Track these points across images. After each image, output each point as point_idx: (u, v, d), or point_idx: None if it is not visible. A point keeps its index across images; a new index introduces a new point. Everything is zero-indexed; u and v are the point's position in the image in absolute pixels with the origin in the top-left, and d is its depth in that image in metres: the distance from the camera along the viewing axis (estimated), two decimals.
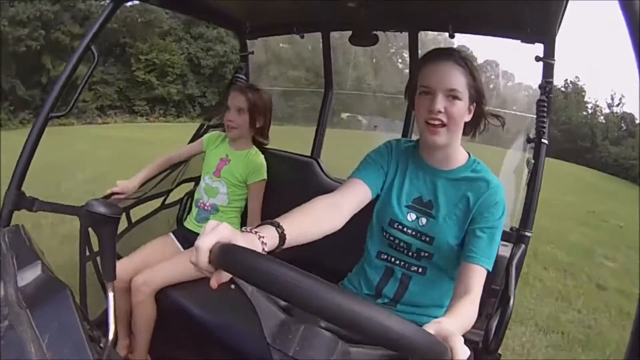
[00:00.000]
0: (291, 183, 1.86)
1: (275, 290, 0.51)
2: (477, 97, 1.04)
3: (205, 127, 2.05)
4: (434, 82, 1.00)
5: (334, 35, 1.96)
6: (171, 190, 1.98)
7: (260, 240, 0.73)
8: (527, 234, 1.34)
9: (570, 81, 33.46)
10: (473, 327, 1.35)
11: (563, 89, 33.08)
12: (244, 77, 2.09)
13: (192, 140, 1.97)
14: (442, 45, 1.20)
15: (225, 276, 0.64)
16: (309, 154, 2.04)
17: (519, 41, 1.38)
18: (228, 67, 20.97)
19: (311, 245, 1.75)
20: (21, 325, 0.65)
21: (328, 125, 2.10)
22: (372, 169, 1.11)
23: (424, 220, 1.09)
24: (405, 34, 1.72)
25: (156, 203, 1.99)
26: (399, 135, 1.76)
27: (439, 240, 1.06)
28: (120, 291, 1.47)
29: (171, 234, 1.75)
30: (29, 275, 0.80)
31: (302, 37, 1.91)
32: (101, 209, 0.69)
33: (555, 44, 1.32)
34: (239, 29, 2.00)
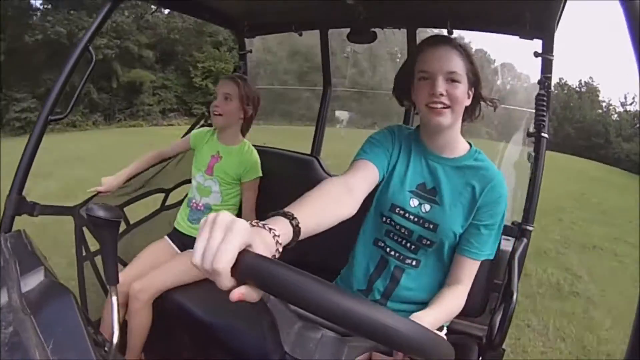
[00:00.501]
0: (291, 181, 1.85)
1: (315, 311, 0.48)
2: (475, 81, 1.04)
3: (200, 124, 2.03)
4: (433, 66, 1.00)
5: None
6: (170, 191, 1.97)
7: (275, 238, 0.63)
8: (528, 228, 1.35)
9: (585, 81, 33.83)
10: (477, 322, 1.37)
11: (577, 88, 33.39)
12: (243, 75, 2.08)
13: (185, 135, 1.95)
14: None
15: (254, 295, 0.52)
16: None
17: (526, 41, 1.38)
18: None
19: (304, 244, 1.75)
20: (26, 331, 0.65)
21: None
22: (378, 150, 1.08)
23: (427, 206, 1.07)
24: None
25: (155, 204, 1.98)
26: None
27: (444, 228, 1.05)
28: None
29: (167, 237, 1.74)
30: (33, 281, 0.80)
31: (300, 34, 1.90)
32: (101, 213, 0.68)
33: (554, 40, 1.32)
34: (237, 28, 2.00)
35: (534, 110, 1.39)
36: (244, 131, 1.77)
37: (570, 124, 31.22)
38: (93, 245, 1.53)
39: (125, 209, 1.77)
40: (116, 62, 19.39)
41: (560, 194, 8.55)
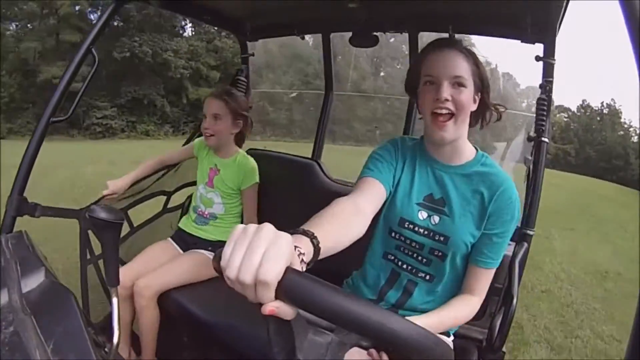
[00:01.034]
0: (293, 185, 1.86)
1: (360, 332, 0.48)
2: (482, 86, 1.01)
3: (197, 134, 2.03)
4: (438, 70, 0.97)
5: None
6: (172, 193, 1.98)
7: (300, 257, 0.59)
8: (529, 232, 1.34)
9: (607, 103, 34.28)
10: (477, 325, 1.36)
11: (599, 110, 33.95)
12: (244, 79, 2.09)
13: (186, 143, 1.97)
14: None
15: (289, 312, 0.50)
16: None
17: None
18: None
19: None
20: (26, 331, 0.65)
21: None
22: (383, 166, 1.05)
23: (436, 218, 1.04)
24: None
25: (157, 207, 1.99)
26: None
27: (455, 240, 1.02)
28: (122, 297, 1.47)
29: (170, 238, 1.76)
30: (33, 282, 0.80)
31: (303, 38, 1.91)
32: (103, 215, 0.69)
33: (555, 44, 1.32)
34: (240, 31, 2.00)
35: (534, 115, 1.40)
36: (239, 142, 1.78)
37: (591, 146, 31.54)
38: (97, 249, 1.54)
39: (129, 211, 1.78)
40: (187, 81, 21.67)
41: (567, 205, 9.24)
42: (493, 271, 1.05)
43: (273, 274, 0.46)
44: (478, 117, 1.06)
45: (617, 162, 29.15)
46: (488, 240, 1.02)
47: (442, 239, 1.04)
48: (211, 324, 1.35)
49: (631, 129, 32.88)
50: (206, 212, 1.73)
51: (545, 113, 1.37)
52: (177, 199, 2.02)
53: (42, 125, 1.16)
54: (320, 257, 0.67)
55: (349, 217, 0.84)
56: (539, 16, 1.25)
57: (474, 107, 1.01)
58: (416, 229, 1.05)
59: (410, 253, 1.08)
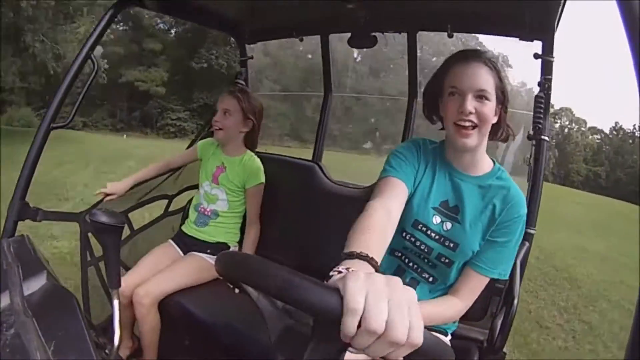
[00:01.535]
0: (294, 187, 1.86)
1: None
2: (503, 99, 1.02)
3: (204, 134, 2.05)
4: (463, 83, 0.98)
5: None
6: (174, 197, 1.99)
7: None
8: (530, 231, 1.34)
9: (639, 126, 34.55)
10: (478, 325, 1.36)
11: (631, 132, 34.74)
12: (243, 82, 2.10)
13: (190, 145, 1.97)
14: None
15: None
16: None
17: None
18: None
19: (307, 250, 1.76)
20: (28, 333, 0.65)
21: None
22: (406, 166, 1.06)
23: (448, 225, 1.06)
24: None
25: (159, 210, 2.00)
26: None
27: (464, 248, 1.04)
28: (123, 305, 1.47)
29: (171, 241, 1.77)
30: (35, 285, 0.81)
31: (301, 40, 1.91)
32: (104, 219, 0.69)
33: (553, 42, 1.32)
34: (238, 34, 2.01)
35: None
36: (249, 144, 1.78)
37: (622, 169, 31.49)
38: (98, 251, 1.55)
39: (130, 214, 1.79)
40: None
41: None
42: (485, 280, 1.05)
43: (421, 339, 0.44)
44: (497, 131, 1.07)
45: None
46: (488, 246, 1.04)
47: (452, 245, 1.05)
48: (212, 326, 1.35)
49: None
50: (208, 210, 1.73)
51: (543, 111, 1.36)
52: (179, 202, 2.03)
53: (43, 131, 1.17)
54: None
55: (385, 227, 0.85)
56: (537, 14, 1.25)
57: (495, 120, 1.02)
58: (429, 232, 1.07)
59: (418, 254, 1.10)
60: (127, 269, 1.63)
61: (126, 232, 1.77)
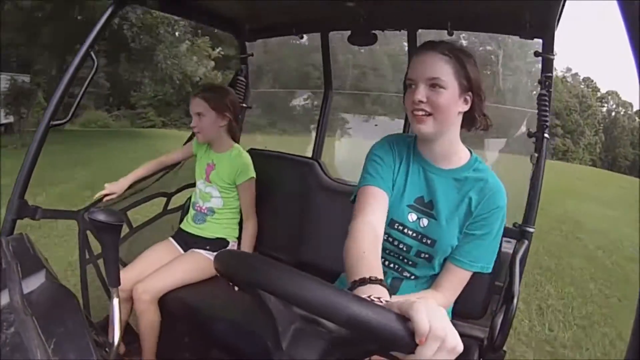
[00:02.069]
0: (293, 184, 1.86)
1: None
2: (471, 87, 0.99)
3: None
4: (415, 73, 0.98)
5: None
6: (172, 195, 1.98)
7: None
8: (529, 229, 1.34)
9: None
10: (478, 323, 1.36)
11: None
12: (243, 79, 2.10)
13: (187, 142, 1.97)
14: None
15: None
16: None
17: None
18: None
19: (306, 247, 1.76)
20: (27, 331, 0.65)
21: None
22: (384, 172, 1.05)
23: (425, 221, 1.05)
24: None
25: (158, 208, 1.99)
26: None
27: (442, 243, 1.03)
28: (121, 299, 1.47)
29: (171, 238, 1.77)
30: (34, 283, 0.81)
31: (301, 37, 1.91)
32: (102, 217, 0.69)
33: (554, 39, 1.31)
34: (238, 32, 2.01)
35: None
36: (234, 135, 1.79)
37: None
38: (96, 249, 1.55)
39: (129, 212, 1.78)
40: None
41: None
42: (466, 274, 1.03)
43: (462, 345, 0.54)
44: (472, 120, 1.04)
45: None
46: (467, 240, 1.03)
47: (429, 242, 1.05)
48: (211, 322, 1.36)
49: None
50: (204, 207, 1.74)
51: (546, 108, 1.36)
52: (178, 200, 2.03)
53: (42, 128, 1.16)
54: None
55: (376, 244, 0.90)
56: (538, 12, 1.25)
57: (464, 108, 1.00)
58: (405, 230, 1.06)
59: (397, 254, 1.09)
60: (126, 266, 1.63)
61: (125, 230, 1.77)
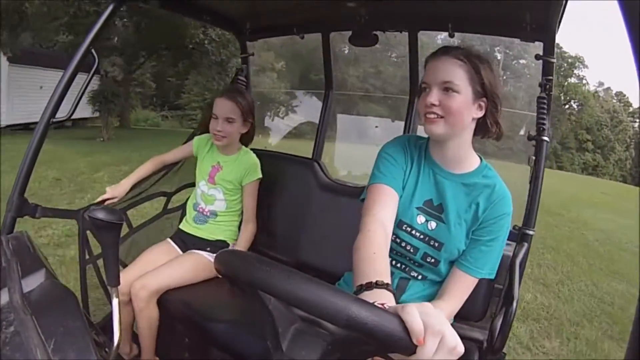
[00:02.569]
0: (293, 185, 1.86)
1: None
2: (486, 93, 0.99)
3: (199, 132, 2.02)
4: (429, 77, 0.99)
5: None
6: (172, 194, 1.98)
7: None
8: (529, 232, 1.34)
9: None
10: (477, 326, 1.36)
11: None
12: (244, 79, 2.09)
13: (187, 141, 1.95)
14: None
15: None
16: None
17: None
18: None
19: (305, 248, 1.76)
20: (27, 330, 0.65)
21: None
22: (394, 169, 1.05)
23: (433, 224, 1.06)
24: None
25: (157, 208, 1.99)
26: None
27: (449, 247, 1.04)
28: (122, 302, 1.46)
29: (169, 239, 1.75)
30: (34, 282, 0.80)
31: (302, 37, 1.91)
32: (103, 216, 0.69)
33: (555, 43, 1.32)
34: (239, 31, 2.00)
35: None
36: (244, 141, 1.77)
37: None
38: (96, 248, 1.54)
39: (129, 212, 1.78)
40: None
41: None
42: (472, 280, 1.04)
43: (462, 347, 0.54)
44: (484, 127, 1.03)
45: None
46: (474, 246, 1.04)
47: (436, 244, 1.05)
48: (211, 323, 1.35)
49: None
50: (207, 210, 1.72)
51: (545, 112, 1.36)
52: (178, 200, 2.02)
53: (42, 125, 1.16)
54: None
55: (385, 244, 0.91)
56: (539, 15, 1.25)
57: (478, 114, 1.00)
58: (413, 232, 1.06)
59: (404, 255, 1.09)
60: (126, 266, 1.63)
61: (124, 230, 1.76)
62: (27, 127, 11.49)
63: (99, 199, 1.59)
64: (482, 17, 1.43)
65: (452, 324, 1.19)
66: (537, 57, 1.35)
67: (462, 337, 1.31)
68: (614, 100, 39.55)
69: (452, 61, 0.98)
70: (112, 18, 1.28)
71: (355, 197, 1.59)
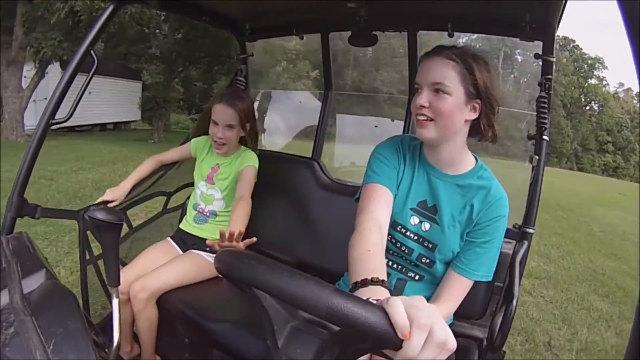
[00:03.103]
0: (293, 184, 1.86)
1: None
2: (479, 94, 0.96)
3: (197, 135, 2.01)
4: (420, 78, 0.98)
5: None
6: (172, 194, 1.98)
7: None
8: (529, 230, 1.34)
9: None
10: (477, 324, 1.36)
11: None
12: (243, 79, 2.09)
13: (185, 142, 1.92)
14: None
15: None
16: None
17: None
18: None
19: (305, 247, 1.76)
20: (27, 331, 0.65)
21: None
22: (388, 169, 1.04)
23: (427, 225, 1.05)
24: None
25: (156, 208, 1.99)
26: None
27: (443, 249, 1.03)
28: (121, 301, 1.46)
29: (169, 238, 1.75)
30: (34, 282, 0.80)
31: (302, 38, 1.91)
32: (103, 216, 0.69)
33: (554, 42, 1.32)
34: (239, 31, 2.00)
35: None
36: (245, 142, 1.75)
37: None
38: (96, 248, 1.54)
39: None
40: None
41: None
42: (468, 283, 1.03)
43: (455, 343, 0.49)
44: (479, 128, 1.01)
45: None
46: (469, 248, 1.03)
47: (430, 246, 1.04)
48: (210, 324, 1.35)
49: None
50: (206, 210, 1.72)
51: (545, 111, 1.37)
52: (178, 199, 2.02)
53: (42, 127, 1.16)
54: None
55: (381, 242, 0.90)
56: (538, 14, 1.25)
57: (471, 116, 0.98)
58: (408, 233, 1.06)
59: (400, 255, 1.09)
60: (125, 265, 1.63)
61: (124, 230, 1.76)
62: (72, 130, 12.34)
63: (99, 200, 1.58)
64: (481, 17, 1.43)
65: (451, 323, 1.20)
66: (536, 56, 1.35)
67: (462, 335, 1.31)
68: (635, 101, 39.62)
69: (444, 62, 0.96)
70: (112, 18, 1.28)
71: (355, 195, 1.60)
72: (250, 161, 1.68)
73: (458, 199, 1.03)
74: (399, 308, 0.48)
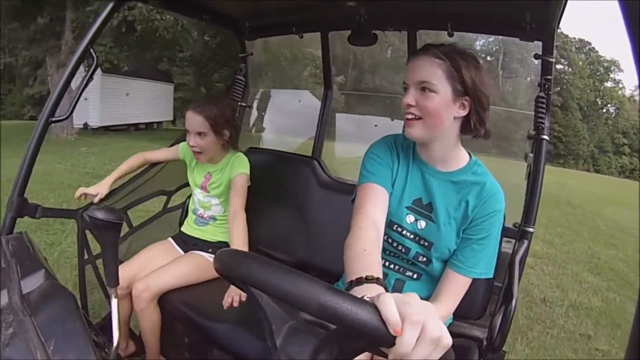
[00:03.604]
0: (293, 183, 1.86)
1: None
2: (467, 91, 0.96)
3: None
4: (408, 77, 0.98)
5: None
6: (172, 193, 1.98)
7: None
8: (529, 229, 1.34)
9: None
10: (477, 324, 1.36)
11: None
12: (243, 78, 2.09)
13: (174, 144, 1.89)
14: None
15: None
16: None
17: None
18: None
19: (306, 247, 1.76)
20: (26, 332, 0.65)
21: None
22: (382, 168, 1.04)
23: (422, 223, 1.05)
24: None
25: (157, 207, 1.99)
26: None
27: (439, 247, 1.03)
28: (120, 297, 1.45)
29: (170, 239, 1.75)
30: (33, 283, 0.80)
31: (301, 37, 1.90)
32: (102, 215, 0.69)
33: (554, 42, 1.32)
34: (238, 30, 2.00)
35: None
36: (231, 146, 1.71)
37: None
38: (95, 248, 1.54)
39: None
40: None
41: None
42: (466, 281, 1.03)
43: (450, 339, 0.48)
44: (470, 125, 1.01)
45: None
46: (466, 245, 1.02)
47: (426, 244, 1.04)
48: (211, 324, 1.35)
49: None
50: (206, 215, 1.72)
51: (544, 111, 1.36)
52: (178, 199, 2.02)
53: (41, 125, 1.16)
54: None
55: (377, 241, 0.90)
56: (538, 14, 1.25)
57: (460, 113, 0.98)
58: (404, 232, 1.06)
59: (397, 255, 1.09)
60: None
61: (124, 229, 1.76)
62: (107, 129, 13.02)
63: (79, 192, 1.55)
64: (481, 16, 1.43)
65: (451, 323, 1.20)
66: (536, 56, 1.35)
67: (462, 336, 1.31)
68: None
69: (430, 60, 0.96)
70: (112, 17, 1.27)
71: None
72: (240, 168, 1.65)
73: (453, 195, 1.03)
74: (390, 304, 0.47)
